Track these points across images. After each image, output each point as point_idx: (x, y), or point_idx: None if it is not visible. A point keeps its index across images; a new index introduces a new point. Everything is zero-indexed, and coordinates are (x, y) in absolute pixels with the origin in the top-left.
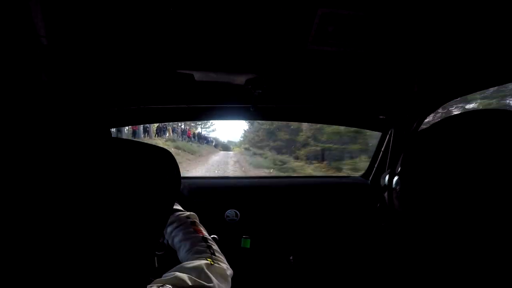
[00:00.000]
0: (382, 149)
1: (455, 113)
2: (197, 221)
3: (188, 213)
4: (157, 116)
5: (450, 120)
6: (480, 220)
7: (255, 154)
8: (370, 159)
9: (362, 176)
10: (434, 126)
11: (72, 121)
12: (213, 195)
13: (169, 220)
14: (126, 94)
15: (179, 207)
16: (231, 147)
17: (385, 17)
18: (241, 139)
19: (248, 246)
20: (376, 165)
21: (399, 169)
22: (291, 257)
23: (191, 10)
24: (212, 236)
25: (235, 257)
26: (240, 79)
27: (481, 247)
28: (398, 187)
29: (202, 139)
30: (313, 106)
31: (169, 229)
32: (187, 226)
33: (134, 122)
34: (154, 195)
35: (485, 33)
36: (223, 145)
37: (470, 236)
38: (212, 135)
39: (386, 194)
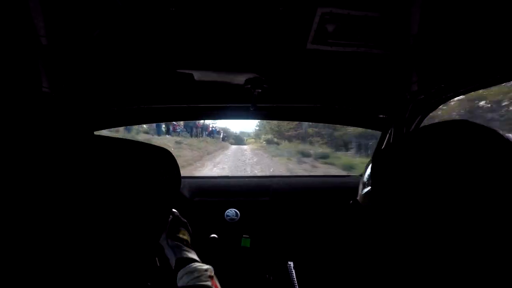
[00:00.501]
0: (382, 148)
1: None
2: (214, 275)
3: (207, 266)
4: (157, 116)
5: (419, 132)
6: (437, 221)
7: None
8: (370, 158)
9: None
10: (406, 136)
11: (72, 121)
12: (213, 194)
13: (186, 270)
14: (126, 93)
15: (197, 258)
16: (245, 139)
17: (385, 16)
18: (257, 128)
19: (248, 245)
20: None
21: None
22: (290, 263)
23: (191, 10)
24: (212, 235)
25: (235, 256)
26: (240, 79)
27: (441, 247)
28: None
29: (205, 131)
30: (313, 105)
31: (185, 278)
32: (204, 279)
33: (134, 122)
34: (153, 194)
35: (485, 32)
36: (235, 137)
37: (430, 234)
38: (218, 124)
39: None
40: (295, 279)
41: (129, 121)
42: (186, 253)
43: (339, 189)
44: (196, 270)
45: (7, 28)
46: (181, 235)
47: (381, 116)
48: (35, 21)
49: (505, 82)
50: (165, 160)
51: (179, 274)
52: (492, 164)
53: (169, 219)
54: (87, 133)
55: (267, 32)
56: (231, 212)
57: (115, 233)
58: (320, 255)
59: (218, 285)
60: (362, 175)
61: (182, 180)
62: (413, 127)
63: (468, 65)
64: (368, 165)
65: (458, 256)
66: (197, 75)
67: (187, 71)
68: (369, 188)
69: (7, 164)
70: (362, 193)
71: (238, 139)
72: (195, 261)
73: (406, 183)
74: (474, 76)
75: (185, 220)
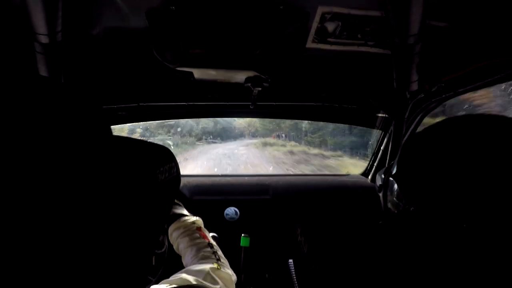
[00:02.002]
0: (382, 147)
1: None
2: (203, 226)
3: (194, 218)
4: (157, 114)
5: (444, 124)
6: (474, 222)
7: None
8: (370, 157)
9: (362, 174)
10: (428, 129)
11: (72, 118)
12: (213, 193)
13: (175, 226)
14: (125, 91)
15: (185, 212)
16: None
17: (385, 16)
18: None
19: (248, 244)
20: (376, 164)
21: (395, 170)
22: (290, 261)
23: (191, 9)
24: (211, 234)
25: (235, 255)
26: (240, 77)
27: (476, 248)
28: (393, 189)
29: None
30: (313, 104)
31: (174, 234)
32: (192, 231)
33: (133, 120)
34: (153, 193)
35: (485, 31)
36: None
37: (465, 238)
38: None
39: (381, 194)
40: (295, 277)
41: (128, 119)
42: (174, 209)
43: (339, 188)
44: (184, 224)
45: (7, 26)
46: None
47: (381, 115)
48: (34, 19)
49: (505, 81)
50: (164, 158)
51: (169, 230)
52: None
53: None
54: (88, 130)
55: (268, 30)
56: (231, 210)
57: (114, 231)
58: (320, 253)
59: (207, 234)
60: (368, 175)
61: (182, 178)
62: (413, 126)
63: (468, 65)
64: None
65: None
66: (197, 73)
67: (187, 69)
68: (393, 190)
69: (6, 163)
70: (384, 196)
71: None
72: (183, 215)
73: (437, 188)
74: (474, 76)
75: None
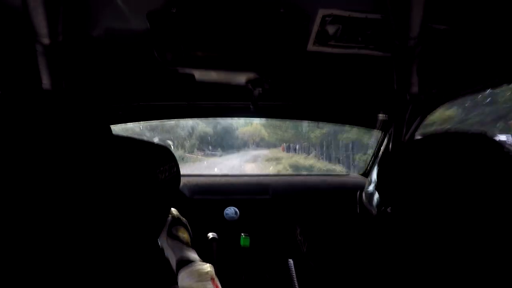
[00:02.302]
0: (382, 148)
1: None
2: (215, 277)
3: (207, 266)
4: (158, 114)
5: (417, 143)
6: (447, 224)
7: None
8: (370, 158)
9: (362, 174)
10: (406, 144)
11: (73, 119)
12: (213, 192)
13: (188, 271)
14: (126, 91)
15: (197, 257)
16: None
17: (386, 18)
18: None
19: (248, 244)
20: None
21: (375, 180)
22: (290, 260)
23: (193, 11)
24: (211, 234)
25: (235, 255)
26: (241, 78)
27: (450, 247)
28: (371, 194)
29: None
30: (314, 105)
31: (186, 281)
32: (206, 281)
33: (134, 119)
34: (153, 193)
35: (485, 34)
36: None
37: (438, 237)
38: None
39: (359, 194)
40: (295, 277)
41: (129, 118)
42: (187, 252)
43: (338, 188)
44: (197, 272)
45: (8, 28)
46: (180, 234)
47: (381, 117)
48: (36, 20)
49: (504, 84)
50: (164, 158)
51: (180, 275)
52: (490, 173)
53: (169, 219)
54: (91, 130)
55: (268, 33)
56: (231, 210)
57: (114, 230)
58: (319, 253)
59: (218, 285)
60: (367, 175)
61: (182, 178)
62: (413, 128)
63: (468, 67)
64: (374, 167)
65: (461, 259)
66: (198, 74)
67: (188, 71)
68: (373, 190)
69: (7, 163)
70: (368, 194)
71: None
72: (196, 261)
73: (413, 189)
74: (473, 78)
75: (185, 220)
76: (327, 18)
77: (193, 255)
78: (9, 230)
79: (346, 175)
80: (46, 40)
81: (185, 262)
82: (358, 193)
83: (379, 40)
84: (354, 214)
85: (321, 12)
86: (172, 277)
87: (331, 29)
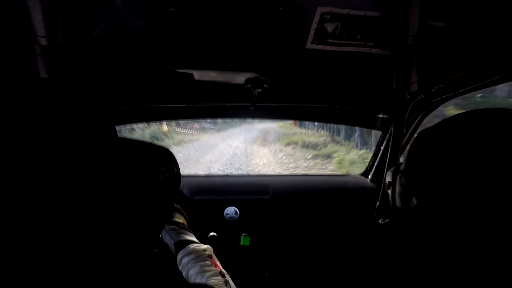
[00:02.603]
0: (382, 147)
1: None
2: (213, 254)
3: (205, 246)
4: (157, 115)
5: (454, 119)
6: (485, 220)
7: None
8: (370, 158)
9: (362, 174)
10: (438, 125)
11: (74, 120)
12: (213, 192)
13: (185, 252)
14: (126, 93)
15: (195, 239)
16: None
17: (385, 16)
18: None
19: (248, 244)
20: (376, 164)
21: (403, 167)
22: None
23: (191, 10)
24: (211, 234)
25: (235, 254)
26: (240, 78)
27: (486, 247)
28: (401, 186)
29: None
30: (313, 105)
31: (184, 260)
32: (203, 259)
33: (134, 121)
34: (153, 193)
35: (485, 32)
36: None
37: (475, 237)
38: None
39: (389, 191)
40: (295, 277)
41: (129, 120)
42: (183, 235)
43: (339, 188)
44: (194, 250)
45: (7, 29)
46: (176, 219)
47: (381, 116)
48: (34, 21)
49: (504, 82)
50: (164, 159)
51: (178, 256)
52: None
53: None
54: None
55: (267, 31)
56: (231, 210)
57: (115, 230)
58: (320, 254)
59: (217, 263)
60: (368, 175)
61: (182, 178)
62: (413, 127)
63: (468, 65)
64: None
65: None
66: (197, 74)
67: (187, 71)
68: (401, 187)
69: (8, 163)
70: (393, 193)
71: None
72: (193, 242)
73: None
74: (473, 76)
75: (178, 206)
76: (325, 16)
77: (190, 237)
78: (8, 229)
79: (346, 175)
80: (44, 41)
81: (183, 244)
82: (390, 190)
83: (378, 38)
84: (354, 214)
85: (320, 10)
86: (172, 277)
87: (329, 27)
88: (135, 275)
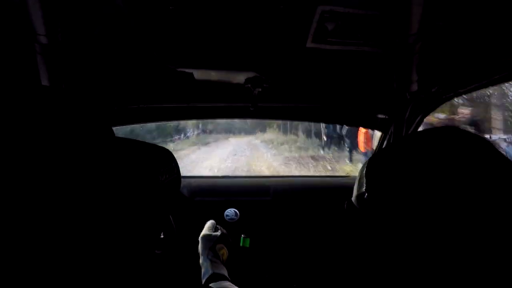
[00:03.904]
0: (378, 151)
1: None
2: None
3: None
4: (157, 115)
5: (410, 138)
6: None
7: None
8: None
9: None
10: (402, 140)
11: (73, 120)
12: (213, 194)
13: (218, 285)
14: (125, 93)
15: (226, 273)
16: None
17: (385, 15)
18: None
19: (248, 245)
20: None
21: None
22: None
23: (190, 8)
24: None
25: (235, 256)
26: (240, 78)
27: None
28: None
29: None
30: (313, 104)
31: None
32: None
33: (134, 121)
34: (153, 194)
35: (485, 32)
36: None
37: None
38: None
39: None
40: (295, 278)
41: (129, 120)
42: (222, 270)
43: (338, 190)
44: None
45: (7, 27)
46: (221, 252)
47: (381, 116)
48: (34, 19)
49: (504, 82)
50: (165, 159)
51: (210, 286)
52: (482, 173)
53: (218, 233)
54: (89, 132)
55: (267, 30)
56: (231, 211)
57: (114, 231)
58: (320, 255)
59: None
60: (357, 176)
61: (182, 179)
62: (413, 127)
63: (469, 64)
64: (364, 167)
65: (451, 259)
66: (197, 74)
67: (187, 70)
68: (361, 190)
69: (6, 163)
70: (356, 194)
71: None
72: (227, 279)
73: (400, 188)
74: (474, 75)
75: (230, 240)
76: (326, 15)
77: (226, 274)
78: (7, 231)
79: (347, 176)
80: (44, 40)
81: (218, 277)
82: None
83: (378, 36)
84: (348, 216)
85: (320, 9)
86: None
87: (330, 26)
88: (134, 275)
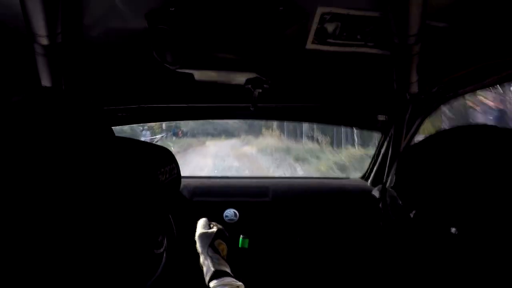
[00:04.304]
0: (383, 150)
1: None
2: None
3: (240, 283)
4: (158, 116)
5: (442, 135)
6: (476, 232)
7: None
8: (370, 161)
9: (362, 177)
10: (426, 140)
11: (73, 120)
12: (213, 194)
13: (221, 282)
14: (125, 93)
15: (229, 270)
16: None
17: (385, 16)
18: None
19: (247, 246)
20: (376, 167)
21: (393, 183)
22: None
23: (191, 10)
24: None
25: (234, 257)
26: (240, 79)
27: (468, 255)
28: (390, 198)
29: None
30: (313, 106)
31: None
32: None
33: (134, 121)
34: (153, 194)
35: (485, 32)
36: None
37: (458, 244)
38: None
39: (381, 205)
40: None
41: (129, 120)
42: (223, 266)
43: (337, 191)
44: (229, 284)
45: (6, 28)
46: (221, 248)
47: (381, 117)
48: (34, 21)
49: (504, 82)
50: (165, 159)
51: (212, 283)
52: None
53: (214, 230)
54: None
55: (267, 32)
56: (230, 212)
57: (114, 231)
58: (319, 257)
59: None
60: (368, 179)
61: (182, 180)
62: (413, 128)
63: (468, 65)
64: (374, 170)
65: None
66: (197, 74)
67: (187, 71)
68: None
69: (7, 163)
70: (384, 207)
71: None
72: (230, 275)
73: (440, 188)
74: (474, 76)
75: (227, 235)
76: (326, 16)
77: (228, 270)
78: (7, 231)
79: (346, 178)
80: (45, 41)
81: (220, 274)
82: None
83: (378, 38)
84: (354, 217)
85: (320, 10)
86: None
87: (330, 27)
88: (133, 275)
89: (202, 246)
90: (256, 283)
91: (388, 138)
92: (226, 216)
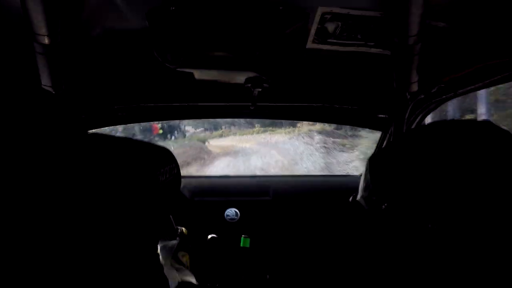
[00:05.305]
0: (381, 149)
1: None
2: None
3: None
4: (157, 115)
5: (418, 130)
6: (443, 223)
7: None
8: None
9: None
10: (402, 136)
11: (70, 120)
12: (213, 194)
13: None
14: (126, 92)
15: (195, 282)
16: None
17: (385, 16)
18: None
19: (248, 245)
20: None
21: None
22: None
23: (191, 9)
24: (211, 236)
25: (235, 256)
26: (240, 78)
27: (442, 250)
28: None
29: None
30: (313, 104)
31: None
32: None
33: (134, 120)
34: (153, 195)
35: (485, 32)
36: None
37: (432, 239)
38: None
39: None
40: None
41: (129, 119)
42: (188, 277)
43: (338, 189)
44: None
45: (6, 27)
46: (184, 259)
47: (381, 116)
48: (34, 20)
49: (505, 82)
50: (165, 159)
51: None
52: (502, 164)
53: (176, 242)
54: (85, 131)
55: (267, 31)
56: (231, 211)
57: (114, 232)
58: (320, 255)
59: None
60: (361, 175)
61: (182, 179)
62: (413, 127)
63: (468, 65)
64: (367, 166)
65: (464, 262)
66: (198, 74)
67: (187, 70)
68: (366, 190)
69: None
70: (363, 195)
71: None
72: (195, 286)
73: (409, 184)
74: (473, 76)
75: (189, 245)
76: (326, 16)
77: (193, 280)
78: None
79: (347, 176)
80: (45, 40)
81: (186, 286)
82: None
83: (378, 37)
84: (354, 215)
85: (321, 10)
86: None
87: (330, 27)
88: (134, 275)
89: (165, 258)
90: (257, 282)
91: (388, 136)
92: (227, 215)
